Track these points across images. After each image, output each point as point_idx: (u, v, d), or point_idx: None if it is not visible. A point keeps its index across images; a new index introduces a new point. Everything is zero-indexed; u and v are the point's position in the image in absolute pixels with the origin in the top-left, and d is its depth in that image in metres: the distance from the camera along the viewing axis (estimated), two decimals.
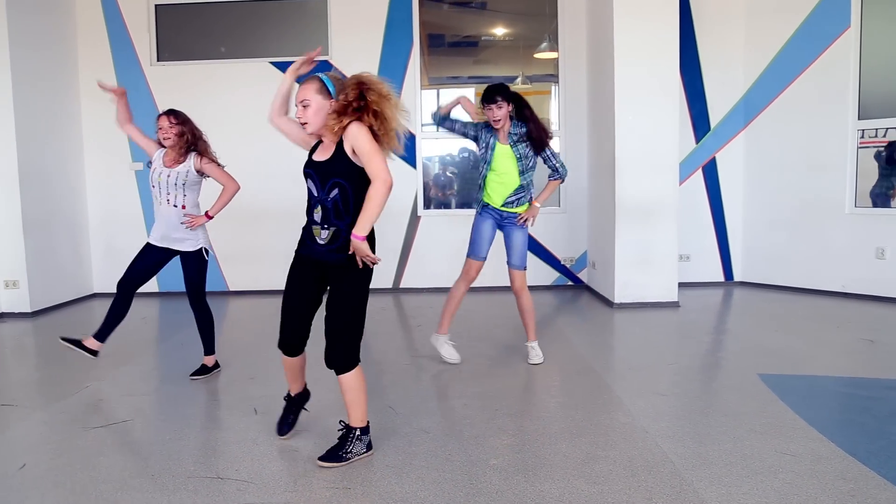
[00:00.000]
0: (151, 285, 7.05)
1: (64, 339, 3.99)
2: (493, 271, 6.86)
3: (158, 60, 6.96)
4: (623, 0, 5.87)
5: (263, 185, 6.60)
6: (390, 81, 2.80)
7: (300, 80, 2.91)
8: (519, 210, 4.23)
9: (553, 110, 7.42)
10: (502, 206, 4.21)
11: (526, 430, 3.18)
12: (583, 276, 7.18)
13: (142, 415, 3.47)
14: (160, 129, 4.01)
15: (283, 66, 6.91)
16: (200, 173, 4.05)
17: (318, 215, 2.74)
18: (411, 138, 7.01)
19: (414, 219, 7.05)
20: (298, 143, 2.96)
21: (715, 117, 7.01)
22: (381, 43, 6.90)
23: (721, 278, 7.17)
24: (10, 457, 2.95)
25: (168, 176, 3.99)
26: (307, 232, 2.83)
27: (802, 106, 6.54)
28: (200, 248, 4.06)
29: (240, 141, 6.73)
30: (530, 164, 4.20)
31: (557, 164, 4.27)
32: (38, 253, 6.18)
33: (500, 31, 7.62)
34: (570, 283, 7.18)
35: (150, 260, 4.06)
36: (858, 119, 6.23)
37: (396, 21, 6.90)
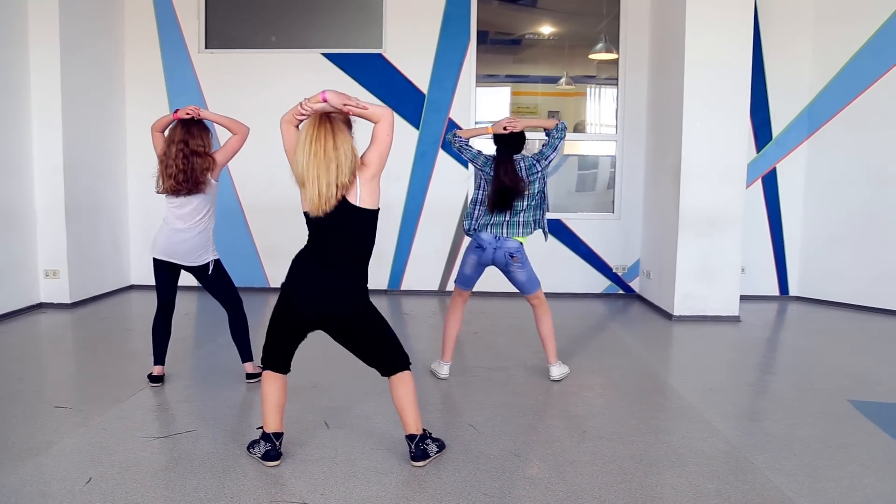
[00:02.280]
0: (190, 279, 6.86)
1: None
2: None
3: (207, 48, 6.76)
4: (696, 2, 5.62)
5: None
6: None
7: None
8: None
9: (589, 112, 7.21)
10: None
11: (623, 456, 2.95)
12: (634, 285, 6.94)
13: (205, 424, 3.25)
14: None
15: (335, 58, 6.70)
16: None
17: None
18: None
19: (463, 220, 6.82)
20: None
21: (777, 126, 6.73)
22: (437, 37, 6.67)
23: (776, 292, 6.90)
24: (74, 468, 2.74)
25: None
26: None
27: (871, 118, 6.25)
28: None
29: None
30: None
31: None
32: (78, 243, 6.01)
33: (546, 29, 7.38)
34: (620, 291, 6.93)
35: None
36: None
37: (453, 16, 6.66)
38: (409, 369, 2.87)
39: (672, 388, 3.99)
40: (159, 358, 3.87)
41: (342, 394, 3.73)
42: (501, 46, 7.40)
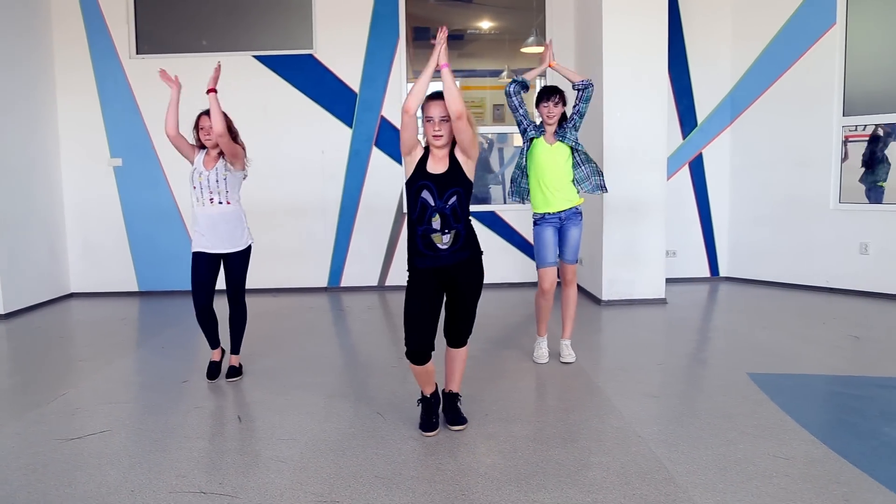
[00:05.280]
0: (131, 284, 6.92)
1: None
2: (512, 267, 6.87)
3: (138, 53, 6.79)
4: None
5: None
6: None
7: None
8: (578, 202, 4.21)
9: (531, 104, 7.37)
10: (562, 208, 4.16)
11: (517, 436, 3.12)
12: None
13: (121, 424, 3.35)
14: (202, 128, 3.89)
15: (266, 60, 6.77)
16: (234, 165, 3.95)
17: (436, 223, 2.95)
18: (396, 134, 6.91)
19: (399, 215, 6.95)
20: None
21: (702, 113, 6.98)
22: (367, 36, 6.78)
23: (707, 274, 7.17)
24: None
25: (208, 176, 3.87)
26: (423, 243, 2.98)
27: (788, 102, 6.54)
28: (249, 245, 4.01)
29: None
30: (581, 155, 4.19)
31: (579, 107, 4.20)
32: (11, 251, 6.00)
33: (485, 24, 7.53)
34: (558, 280, 7.11)
35: (207, 269, 3.93)
36: (843, 115, 6.23)
37: (382, 14, 6.78)
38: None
39: (583, 369, 4.18)
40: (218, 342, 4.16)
41: (259, 389, 3.86)
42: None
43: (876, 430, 3.14)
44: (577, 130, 4.18)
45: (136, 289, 6.94)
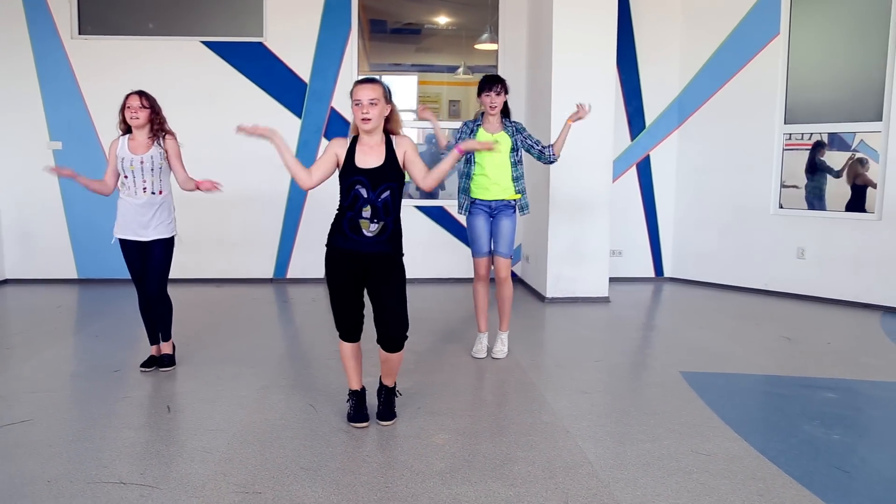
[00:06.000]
0: (70, 271, 6.74)
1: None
2: (449, 262, 6.90)
3: (80, 34, 6.57)
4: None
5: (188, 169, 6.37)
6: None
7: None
8: (513, 197, 4.19)
9: None
10: (495, 198, 4.16)
11: (447, 430, 3.14)
12: (517, 269, 7.21)
13: (44, 413, 3.26)
14: (128, 107, 3.73)
15: (214, 46, 6.65)
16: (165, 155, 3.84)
17: (367, 213, 2.98)
18: (346, 126, 6.86)
19: None
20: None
21: (650, 115, 7.11)
22: (318, 27, 6.71)
23: (652, 274, 7.32)
24: None
25: (142, 162, 3.73)
26: (349, 225, 2.99)
27: (733, 108, 6.70)
28: (172, 237, 3.87)
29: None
30: (519, 157, 4.22)
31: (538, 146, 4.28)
32: None
33: (442, 19, 7.53)
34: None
35: (139, 259, 3.82)
36: (784, 123, 6.43)
37: (334, 5, 6.71)
38: None
39: (520, 365, 4.23)
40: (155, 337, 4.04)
41: (193, 379, 3.80)
42: (403, 35, 7.50)
43: (796, 428, 3.26)
44: (520, 142, 4.23)
45: (74, 276, 6.76)
